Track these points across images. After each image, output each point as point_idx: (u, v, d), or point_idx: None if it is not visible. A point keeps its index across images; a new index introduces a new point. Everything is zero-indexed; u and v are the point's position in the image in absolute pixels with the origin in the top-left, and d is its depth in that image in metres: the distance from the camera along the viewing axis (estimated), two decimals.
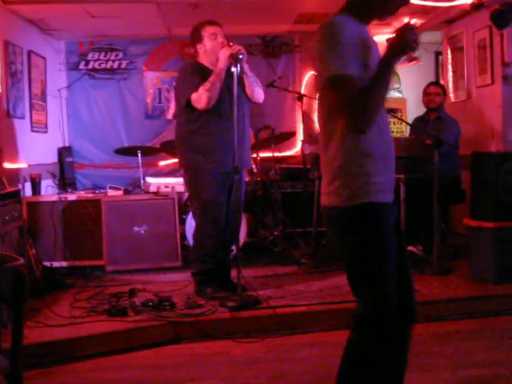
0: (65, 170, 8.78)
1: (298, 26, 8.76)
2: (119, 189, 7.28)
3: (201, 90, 5.25)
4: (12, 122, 7.22)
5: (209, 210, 5.44)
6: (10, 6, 7.19)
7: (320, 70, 2.77)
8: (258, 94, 5.58)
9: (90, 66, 9.25)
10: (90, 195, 7.25)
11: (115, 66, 9.27)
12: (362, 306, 2.88)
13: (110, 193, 7.16)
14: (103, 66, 9.26)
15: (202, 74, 5.38)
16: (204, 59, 5.54)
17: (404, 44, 2.69)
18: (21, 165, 7.29)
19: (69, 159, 8.99)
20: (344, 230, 2.86)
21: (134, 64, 9.31)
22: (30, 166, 7.48)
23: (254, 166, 7.62)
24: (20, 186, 6.83)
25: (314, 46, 2.77)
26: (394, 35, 2.69)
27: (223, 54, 5.25)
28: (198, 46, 5.56)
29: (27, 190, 7.26)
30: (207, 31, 5.47)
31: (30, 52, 7.96)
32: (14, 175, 7.02)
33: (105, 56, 9.26)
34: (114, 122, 9.35)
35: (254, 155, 7.74)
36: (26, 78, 7.82)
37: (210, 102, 5.26)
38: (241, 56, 5.19)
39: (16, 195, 5.85)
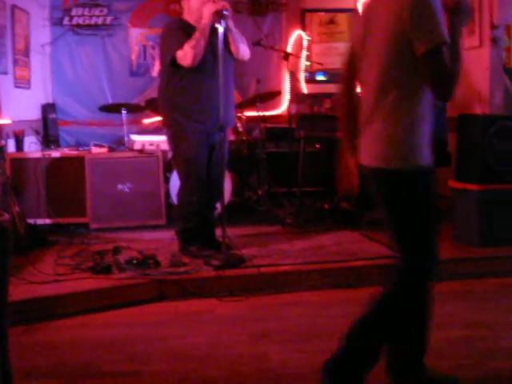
0: (48, 126, 8.67)
1: None
2: (103, 146, 7.23)
3: (186, 47, 5.19)
4: None
5: (192, 169, 5.44)
6: None
7: (426, 32, 2.76)
8: (243, 51, 5.53)
9: (74, 22, 9.09)
10: (74, 152, 7.20)
11: (99, 21, 9.13)
12: (409, 264, 3.02)
13: (94, 150, 7.12)
14: (87, 21, 9.11)
15: (186, 31, 5.32)
16: (188, 16, 5.48)
17: (464, 9, 2.82)
18: (4, 121, 7.16)
19: (52, 116, 8.88)
20: (401, 191, 2.95)
21: (119, 20, 9.16)
22: (13, 122, 7.34)
23: (239, 125, 7.60)
24: (3, 142, 6.74)
25: (416, 3, 2.76)
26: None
27: (207, 11, 5.18)
28: (183, 2, 5.50)
29: (10, 147, 7.20)
30: None
31: (13, 6, 7.83)
32: None
33: (89, 11, 9.12)
34: (98, 79, 9.24)
35: (239, 114, 7.71)
36: (9, 33, 7.70)
37: (196, 59, 5.20)
38: (225, 12, 5.13)
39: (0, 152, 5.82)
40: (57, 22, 9.11)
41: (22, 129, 7.39)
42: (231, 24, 5.35)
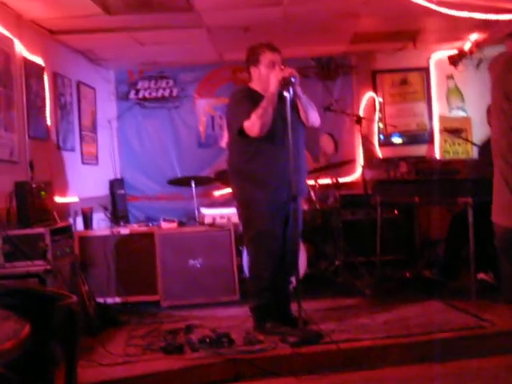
0: (117, 202, 8.92)
1: (354, 46, 8.77)
2: (173, 221, 7.27)
3: (253, 116, 5.22)
4: (62, 154, 7.38)
5: (263, 242, 5.41)
6: (57, 37, 7.38)
7: None
8: (313, 117, 5.53)
9: (141, 95, 9.44)
10: (144, 228, 7.29)
11: (166, 94, 9.44)
12: None
13: (164, 225, 7.16)
14: (154, 94, 9.44)
15: (253, 99, 5.35)
16: (256, 84, 5.52)
17: None
18: (72, 198, 7.45)
19: (121, 191, 9.14)
20: None
21: (186, 91, 9.46)
22: (81, 199, 7.64)
23: (312, 194, 7.59)
24: (71, 220, 7.00)
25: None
26: None
27: (275, 78, 5.21)
28: (253, 70, 5.51)
29: (79, 225, 7.35)
30: (266, 57, 5.40)
31: (79, 83, 8.16)
32: (65, 209, 7.17)
33: (155, 84, 9.45)
34: (166, 152, 9.48)
35: (312, 182, 7.71)
36: (75, 110, 8.01)
37: (264, 129, 5.23)
38: (293, 79, 5.15)
39: (67, 230, 5.93)
40: (123, 97, 9.48)
41: (91, 206, 7.52)
42: (299, 91, 5.36)
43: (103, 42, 7.82)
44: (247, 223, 5.54)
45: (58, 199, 7.03)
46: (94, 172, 8.57)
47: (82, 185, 7.87)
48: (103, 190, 8.85)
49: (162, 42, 7.93)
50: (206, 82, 9.43)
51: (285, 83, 5.16)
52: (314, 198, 7.66)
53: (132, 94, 9.42)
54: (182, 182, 7.93)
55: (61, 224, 5.92)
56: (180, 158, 9.41)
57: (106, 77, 9.37)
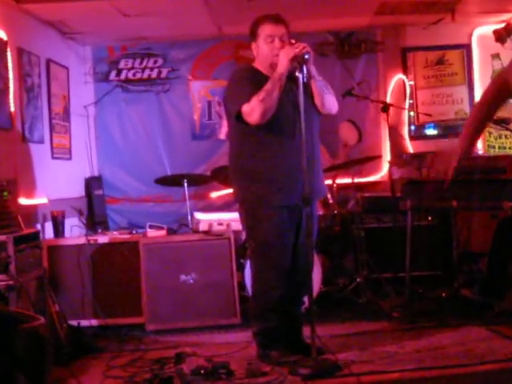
0: (94, 205, 8.96)
1: (380, 17, 8.78)
2: (161, 228, 7.28)
3: (254, 100, 5.17)
4: (29, 147, 7.42)
5: (270, 254, 5.40)
6: (23, 6, 7.38)
7: None
8: (330, 103, 5.51)
9: (123, 76, 9.49)
10: (126, 236, 7.33)
11: (153, 75, 9.48)
12: None
13: (151, 233, 7.19)
14: (139, 75, 9.49)
15: (256, 80, 5.34)
16: (259, 63, 5.53)
17: None
18: (40, 200, 7.49)
19: (98, 192, 9.18)
20: None
21: (177, 72, 9.48)
22: (51, 201, 7.66)
23: (329, 196, 7.61)
24: (39, 226, 6.98)
25: None
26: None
27: (285, 56, 5.17)
28: (253, 46, 5.54)
29: (48, 231, 7.32)
30: (263, 30, 5.42)
31: (48, 61, 8.17)
32: (32, 213, 7.20)
33: (140, 63, 9.49)
34: (153, 145, 9.52)
35: (329, 181, 7.73)
36: (44, 93, 8.03)
37: (265, 116, 5.20)
38: (306, 56, 5.10)
39: (34, 238, 5.94)
40: (102, 78, 9.53)
41: (62, 209, 7.48)
42: (314, 70, 5.33)
43: (78, 12, 7.84)
44: (251, 231, 5.53)
45: (23, 201, 7.04)
46: (67, 168, 8.58)
47: (52, 184, 7.89)
48: (77, 191, 8.91)
49: (150, 11, 7.93)
50: (202, 61, 9.45)
51: (297, 62, 5.12)
52: (330, 200, 7.64)
53: (113, 75, 9.46)
54: (172, 180, 7.95)
55: (26, 231, 5.93)
56: (170, 153, 9.43)
57: (81, 54, 9.39)
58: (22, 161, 7.25)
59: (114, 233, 7.70)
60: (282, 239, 5.39)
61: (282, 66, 5.20)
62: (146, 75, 9.47)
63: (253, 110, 5.18)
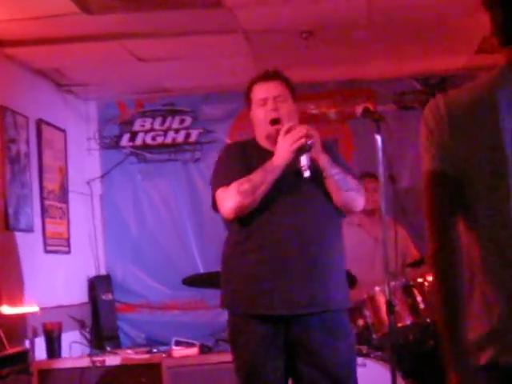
0: (100, 314, 8.91)
1: (480, 57, 8.68)
2: (192, 344, 7.31)
3: (232, 187, 5.16)
4: (14, 237, 7.46)
5: None
6: (7, 50, 7.46)
7: None
8: (348, 200, 5.40)
9: (139, 142, 9.52)
10: (144, 356, 7.39)
11: (180, 138, 9.51)
12: None
13: (177, 352, 7.22)
14: (160, 139, 9.51)
15: (248, 157, 5.39)
16: (256, 135, 5.54)
17: None
18: (29, 308, 7.40)
19: (107, 296, 9.15)
20: None
21: (212, 134, 9.47)
22: (43, 309, 7.51)
23: (419, 299, 7.40)
24: (28, 343, 6.99)
25: None
26: None
27: (283, 147, 5.14)
28: (251, 115, 5.54)
29: (40, 350, 7.27)
30: (255, 93, 5.43)
31: (40, 122, 8.25)
32: (19, 326, 7.15)
33: (162, 124, 9.53)
34: (180, 233, 9.50)
35: (420, 280, 7.43)
36: (34, 165, 8.08)
37: (239, 211, 5.19)
38: (309, 143, 5.07)
39: (21, 360, 5.98)
40: (111, 144, 9.58)
41: (58, 321, 7.51)
42: (326, 161, 5.23)
43: (79, 58, 7.98)
44: (234, 357, 5.43)
45: (7, 310, 6.99)
46: (65, 265, 8.62)
47: (45, 286, 7.88)
48: (78, 295, 8.94)
49: (173, 55, 8.01)
50: (245, 120, 9.37)
51: (300, 152, 5.09)
52: (420, 305, 7.48)
53: (125, 140, 9.51)
54: (205, 280, 7.75)
55: (11, 350, 5.96)
56: (203, 243, 9.34)
57: (83, 113, 9.47)
58: (5, 256, 7.28)
59: (128, 352, 7.83)
60: (263, 369, 5.22)
61: (280, 156, 5.15)
62: (169, 139, 9.51)
63: (225, 200, 5.23)
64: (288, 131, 5.15)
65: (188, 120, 9.51)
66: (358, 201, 5.43)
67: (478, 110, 2.95)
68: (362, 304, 7.12)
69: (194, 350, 7.21)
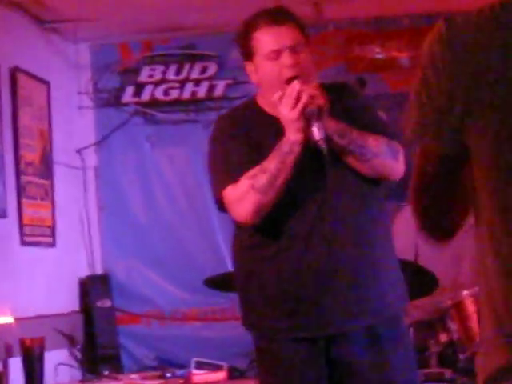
0: (95, 327, 8.73)
1: None
2: (218, 367, 7.46)
3: (245, 184, 4.91)
4: None
5: None
6: None
7: None
8: (380, 168, 5.16)
9: (146, 97, 9.21)
10: (154, 383, 7.70)
11: (201, 93, 9.20)
12: None
13: (199, 377, 7.38)
14: (175, 94, 9.19)
15: (254, 129, 5.14)
16: (261, 95, 5.26)
17: None
18: (0, 319, 7.37)
19: (104, 303, 8.87)
20: None
21: (243, 87, 8.72)
22: (18, 320, 7.46)
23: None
24: (0, 365, 6.93)
25: None
26: None
27: (287, 116, 4.85)
28: (249, 68, 5.22)
29: (15, 374, 7.14)
30: (260, 41, 5.06)
31: (14, 71, 8.09)
32: None
33: (177, 73, 9.17)
34: (201, 220, 9.22)
35: (466, 292, 7.53)
36: (7, 129, 7.94)
37: (261, 214, 4.91)
38: (316, 111, 4.79)
39: None
40: (109, 100, 9.33)
41: (40, 336, 7.35)
42: (335, 127, 4.96)
43: None
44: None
45: None
46: (48, 262, 8.40)
47: (22, 290, 7.77)
48: (66, 302, 8.76)
49: None
50: None
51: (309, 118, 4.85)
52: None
53: (128, 95, 9.17)
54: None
55: None
56: (231, 233, 8.22)
57: (72, 58, 9.24)
58: None
59: (133, 377, 7.98)
60: None
61: (294, 129, 4.87)
62: (187, 94, 9.18)
63: (239, 202, 4.99)
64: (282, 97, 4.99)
65: (212, 68, 9.19)
66: (392, 167, 5.28)
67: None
68: (444, 314, 7.32)
69: (222, 375, 7.36)
